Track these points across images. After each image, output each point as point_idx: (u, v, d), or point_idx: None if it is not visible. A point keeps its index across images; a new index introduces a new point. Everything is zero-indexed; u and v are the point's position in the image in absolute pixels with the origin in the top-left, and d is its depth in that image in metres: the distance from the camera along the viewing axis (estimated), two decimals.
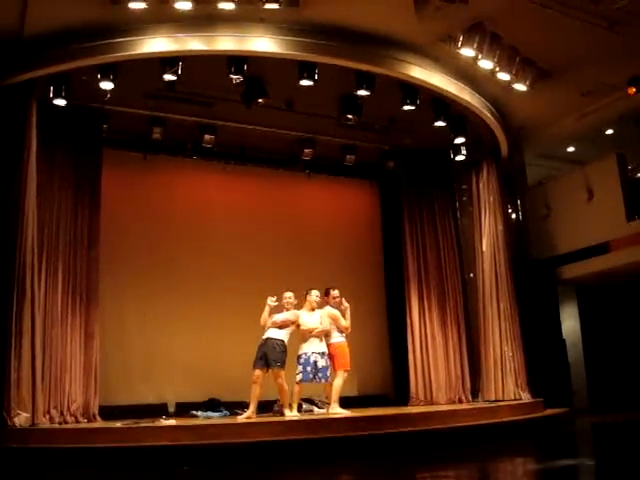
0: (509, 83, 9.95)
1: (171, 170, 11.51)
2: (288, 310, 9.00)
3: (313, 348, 8.96)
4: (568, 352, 12.67)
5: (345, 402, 9.68)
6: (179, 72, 8.80)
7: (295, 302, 9.09)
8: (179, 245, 11.23)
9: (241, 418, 8.60)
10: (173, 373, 10.68)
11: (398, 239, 12.39)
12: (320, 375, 8.88)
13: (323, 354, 8.97)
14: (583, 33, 9.10)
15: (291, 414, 8.77)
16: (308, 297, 9.22)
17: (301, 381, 8.87)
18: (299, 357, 8.95)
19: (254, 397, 8.70)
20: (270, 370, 8.63)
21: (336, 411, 8.89)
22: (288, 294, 9.08)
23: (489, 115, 10.71)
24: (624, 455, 6.79)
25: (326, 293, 9.41)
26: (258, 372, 8.63)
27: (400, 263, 12.19)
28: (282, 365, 8.67)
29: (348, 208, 13.13)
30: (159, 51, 8.60)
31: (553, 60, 9.91)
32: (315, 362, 8.90)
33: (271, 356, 8.62)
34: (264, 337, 8.80)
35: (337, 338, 9.18)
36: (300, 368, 8.88)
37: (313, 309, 9.20)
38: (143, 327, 10.78)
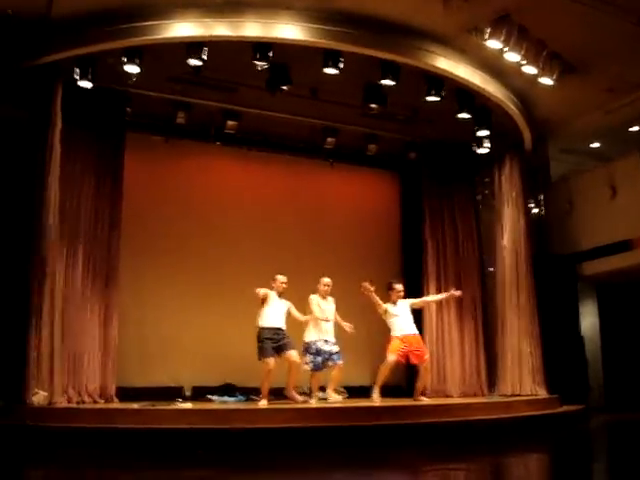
0: (535, 76, 9.86)
1: (193, 155, 11.53)
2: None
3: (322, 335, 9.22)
4: (586, 349, 12.61)
5: (358, 391, 9.75)
6: (204, 57, 8.80)
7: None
8: (199, 230, 11.28)
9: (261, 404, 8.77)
10: (190, 357, 10.73)
11: (418, 231, 12.35)
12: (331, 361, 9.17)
13: (327, 341, 9.22)
14: (611, 28, 8.98)
15: (335, 397, 9.15)
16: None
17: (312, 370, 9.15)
18: (308, 345, 9.17)
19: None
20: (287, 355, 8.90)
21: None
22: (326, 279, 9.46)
23: (514, 108, 10.62)
24: (636, 454, 6.77)
25: (389, 287, 9.50)
26: (274, 361, 8.83)
27: (419, 255, 12.16)
28: None
29: (369, 198, 13.10)
30: (185, 35, 8.59)
31: (580, 55, 9.79)
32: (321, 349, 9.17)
33: (289, 342, 8.97)
34: (276, 326, 8.98)
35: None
36: (311, 357, 9.12)
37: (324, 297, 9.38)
38: (161, 310, 10.84)
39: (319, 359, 9.13)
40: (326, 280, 9.46)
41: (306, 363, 9.14)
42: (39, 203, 8.53)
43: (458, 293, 10.10)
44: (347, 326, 9.31)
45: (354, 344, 9.70)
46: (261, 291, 9.00)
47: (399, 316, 9.33)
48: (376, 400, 9.10)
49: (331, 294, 9.50)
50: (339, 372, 9.32)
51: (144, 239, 10.81)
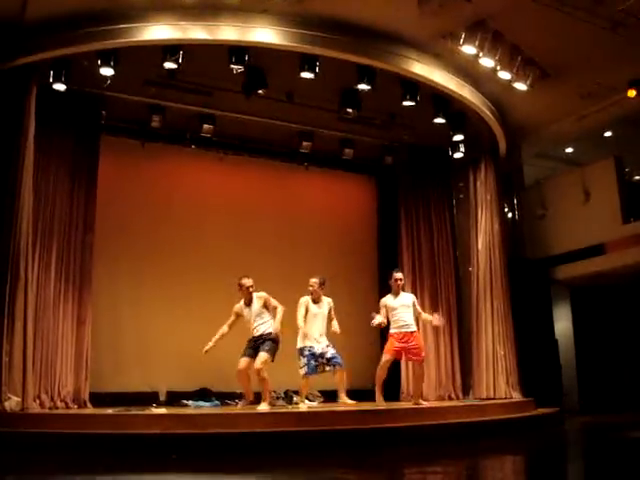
0: (509, 82, 9.95)
1: (169, 158, 11.49)
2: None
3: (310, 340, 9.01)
4: (560, 352, 12.71)
5: (336, 396, 9.69)
6: (180, 60, 8.78)
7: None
8: (174, 233, 11.22)
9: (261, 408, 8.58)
10: (165, 362, 10.66)
11: (394, 234, 12.40)
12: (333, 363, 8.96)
13: (328, 345, 9.04)
14: (585, 34, 9.10)
15: (310, 403, 8.98)
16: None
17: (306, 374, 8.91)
18: (303, 350, 8.94)
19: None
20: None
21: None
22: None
23: (488, 113, 10.71)
24: (611, 455, 6.83)
25: (389, 276, 9.41)
26: (243, 361, 8.77)
27: (395, 258, 12.19)
28: None
29: (345, 202, 13.13)
30: (161, 39, 8.59)
31: (554, 60, 9.91)
32: (322, 353, 8.95)
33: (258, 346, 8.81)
34: (252, 335, 8.86)
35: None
36: (304, 360, 8.90)
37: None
38: (136, 315, 10.78)
39: (313, 362, 8.87)
40: (312, 280, 9.18)
41: (301, 367, 8.91)
42: (12, 207, 8.42)
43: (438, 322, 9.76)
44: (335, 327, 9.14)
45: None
46: (231, 318, 8.93)
47: (397, 309, 9.13)
48: (380, 403, 9.05)
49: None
50: (342, 375, 9.14)
51: (119, 242, 10.75)
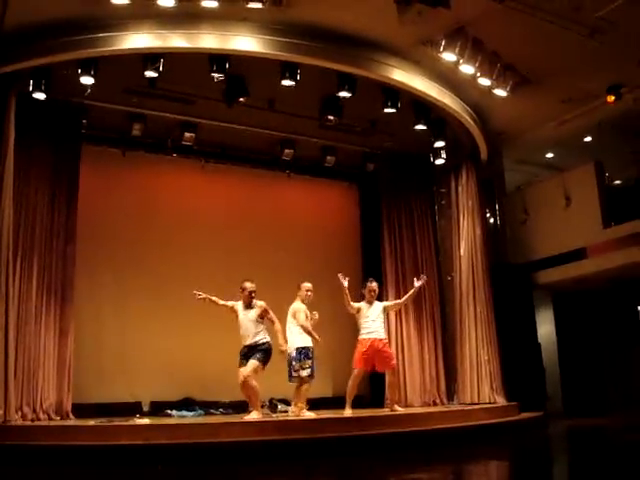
0: (490, 88, 10.01)
1: (150, 167, 11.45)
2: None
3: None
4: (543, 356, 12.76)
5: (320, 403, 9.69)
6: (160, 69, 8.76)
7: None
8: (157, 242, 11.17)
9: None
10: (148, 372, 10.60)
11: (377, 241, 12.41)
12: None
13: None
14: (564, 40, 9.18)
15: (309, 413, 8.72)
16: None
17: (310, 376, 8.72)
18: (309, 350, 8.76)
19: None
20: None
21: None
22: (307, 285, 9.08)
23: (469, 120, 10.77)
24: (595, 458, 6.87)
25: (363, 285, 9.41)
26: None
27: (378, 265, 12.20)
28: None
29: (327, 209, 13.13)
30: (141, 47, 8.55)
31: (534, 66, 9.99)
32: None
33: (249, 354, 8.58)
34: (244, 344, 8.58)
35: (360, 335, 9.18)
36: (310, 362, 8.71)
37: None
38: (118, 325, 10.70)
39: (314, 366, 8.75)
40: (308, 285, 9.08)
41: (303, 368, 8.62)
42: None
43: (421, 281, 9.57)
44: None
45: (316, 355, 9.64)
46: (228, 303, 8.73)
47: (369, 317, 9.17)
48: (348, 414, 8.91)
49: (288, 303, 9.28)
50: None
51: (101, 252, 10.68)
